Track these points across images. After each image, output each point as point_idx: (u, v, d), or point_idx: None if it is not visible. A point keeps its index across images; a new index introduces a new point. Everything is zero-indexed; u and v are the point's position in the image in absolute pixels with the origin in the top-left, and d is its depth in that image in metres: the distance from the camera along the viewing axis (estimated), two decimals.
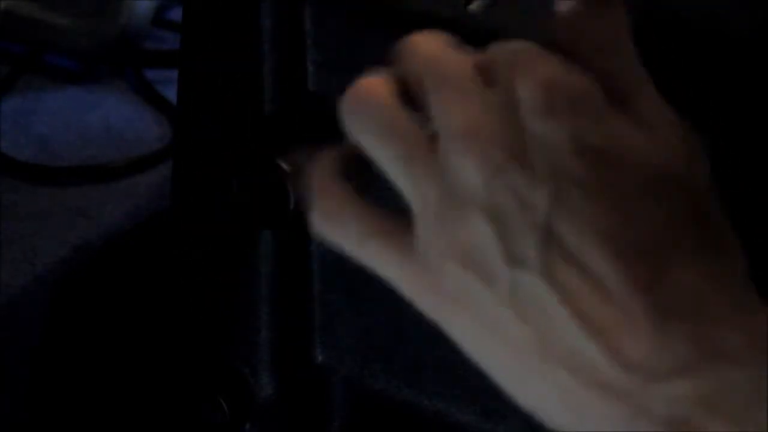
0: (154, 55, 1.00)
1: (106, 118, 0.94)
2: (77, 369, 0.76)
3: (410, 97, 0.38)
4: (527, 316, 0.37)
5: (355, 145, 0.38)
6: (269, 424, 0.67)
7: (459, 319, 0.39)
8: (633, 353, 0.35)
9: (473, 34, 0.54)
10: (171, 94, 0.94)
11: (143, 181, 0.88)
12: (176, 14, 1.02)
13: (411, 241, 0.38)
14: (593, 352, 0.36)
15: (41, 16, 0.96)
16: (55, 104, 0.95)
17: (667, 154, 0.37)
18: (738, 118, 0.52)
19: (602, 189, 0.35)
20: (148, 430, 0.74)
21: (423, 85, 0.38)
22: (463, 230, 0.36)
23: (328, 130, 0.46)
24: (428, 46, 0.38)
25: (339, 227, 0.40)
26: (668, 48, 0.53)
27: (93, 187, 0.87)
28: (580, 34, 0.37)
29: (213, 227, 0.67)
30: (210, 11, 0.64)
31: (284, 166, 0.57)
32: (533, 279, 0.36)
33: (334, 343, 0.65)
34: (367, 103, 0.38)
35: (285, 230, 0.64)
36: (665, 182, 0.36)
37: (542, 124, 0.35)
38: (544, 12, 0.54)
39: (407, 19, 0.54)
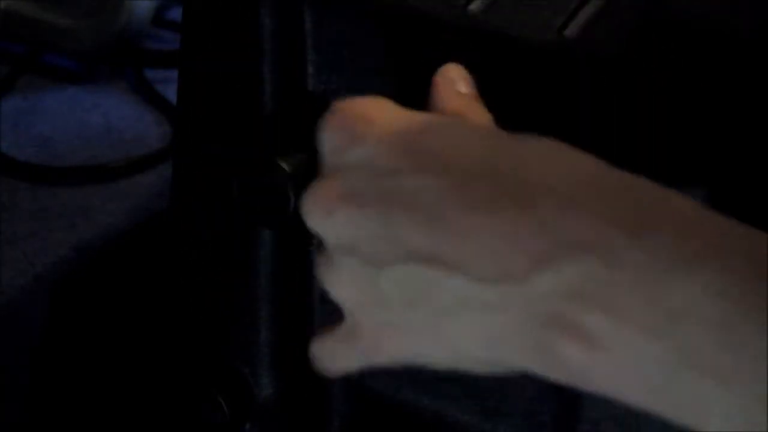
0: (154, 55, 1.00)
1: (106, 118, 0.94)
2: (77, 369, 0.76)
3: None
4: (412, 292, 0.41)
5: None
6: (269, 424, 0.67)
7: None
8: (491, 267, 0.38)
9: (473, 35, 0.54)
10: (171, 94, 0.94)
11: (143, 181, 0.88)
12: (176, 14, 1.02)
13: None
14: (464, 282, 0.38)
15: (41, 16, 0.96)
16: (55, 104, 0.95)
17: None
18: (738, 118, 0.52)
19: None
20: (148, 430, 0.74)
21: None
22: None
23: None
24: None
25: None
26: (669, 49, 0.53)
27: (93, 187, 0.87)
28: None
29: (213, 227, 0.67)
30: (210, 11, 0.64)
31: (284, 166, 0.57)
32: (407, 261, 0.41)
33: None
34: None
35: (285, 230, 0.64)
36: None
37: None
38: (544, 12, 0.54)
39: (407, 20, 0.54)
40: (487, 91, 0.51)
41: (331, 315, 0.65)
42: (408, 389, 0.64)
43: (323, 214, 0.43)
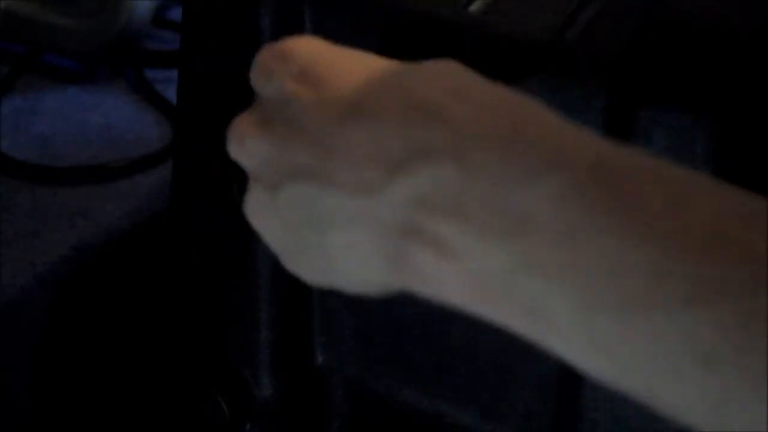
0: (154, 55, 1.00)
1: (106, 118, 0.94)
2: (77, 369, 0.76)
3: None
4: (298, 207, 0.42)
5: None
6: (269, 424, 0.67)
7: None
8: (353, 177, 0.38)
9: (474, 35, 0.54)
10: (171, 94, 0.94)
11: (143, 181, 0.88)
12: (176, 14, 1.02)
13: None
14: (334, 195, 0.39)
15: (41, 16, 0.96)
16: (55, 104, 0.95)
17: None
18: (739, 118, 0.52)
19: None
20: (148, 430, 0.74)
21: None
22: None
23: None
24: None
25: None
26: (669, 49, 0.53)
27: (93, 187, 0.87)
28: None
29: (213, 227, 0.67)
30: (210, 11, 0.64)
31: None
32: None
33: (334, 344, 0.65)
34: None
35: None
36: None
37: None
38: (545, 13, 0.54)
39: (407, 20, 0.54)
40: None
41: (332, 315, 0.66)
42: (408, 389, 0.64)
43: (238, 142, 0.45)
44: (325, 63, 0.42)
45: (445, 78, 0.40)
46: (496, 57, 0.54)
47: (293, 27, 0.60)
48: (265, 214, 0.44)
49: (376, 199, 0.38)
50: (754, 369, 0.30)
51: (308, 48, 0.44)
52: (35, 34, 0.96)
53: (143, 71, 0.98)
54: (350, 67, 0.42)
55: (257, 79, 0.45)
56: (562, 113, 0.55)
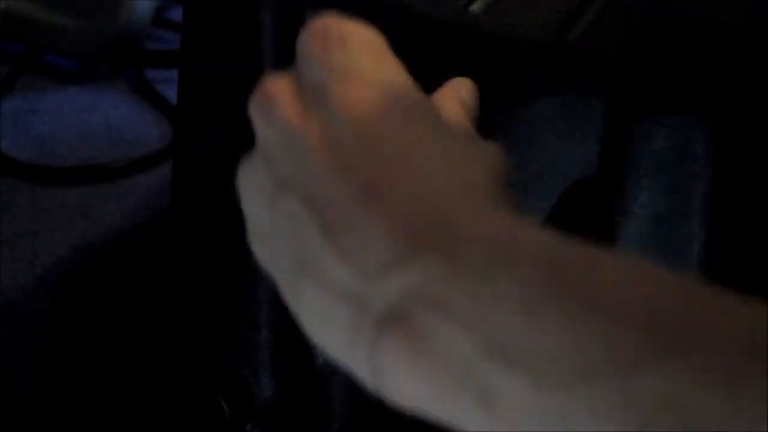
0: (154, 55, 1.00)
1: (106, 118, 0.94)
2: (77, 369, 0.76)
3: None
4: (288, 230, 0.41)
5: None
6: (270, 424, 0.67)
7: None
8: (353, 252, 0.37)
9: (474, 36, 0.54)
10: (171, 94, 0.94)
11: (143, 181, 0.88)
12: (176, 14, 1.02)
13: None
14: (326, 256, 0.38)
15: (41, 16, 0.96)
16: (55, 104, 0.95)
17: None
18: (739, 118, 0.52)
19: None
20: (148, 430, 0.73)
21: None
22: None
23: None
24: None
25: None
26: (669, 49, 0.53)
27: (93, 187, 0.87)
28: None
29: (213, 227, 0.67)
30: (210, 11, 0.64)
31: None
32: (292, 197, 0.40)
33: None
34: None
35: None
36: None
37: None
38: (545, 13, 0.54)
39: (407, 20, 0.54)
40: (486, 91, 0.51)
41: None
42: None
43: (265, 104, 0.43)
44: (373, 80, 0.41)
45: (466, 174, 0.39)
46: (496, 57, 0.54)
47: (294, 27, 0.60)
48: (255, 194, 0.44)
49: (372, 285, 0.37)
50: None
51: (363, 53, 0.42)
52: (35, 34, 0.96)
53: (143, 71, 0.98)
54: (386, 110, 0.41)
55: (303, 51, 0.43)
56: (562, 113, 0.55)
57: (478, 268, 0.35)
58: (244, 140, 0.64)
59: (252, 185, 0.44)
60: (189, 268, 0.68)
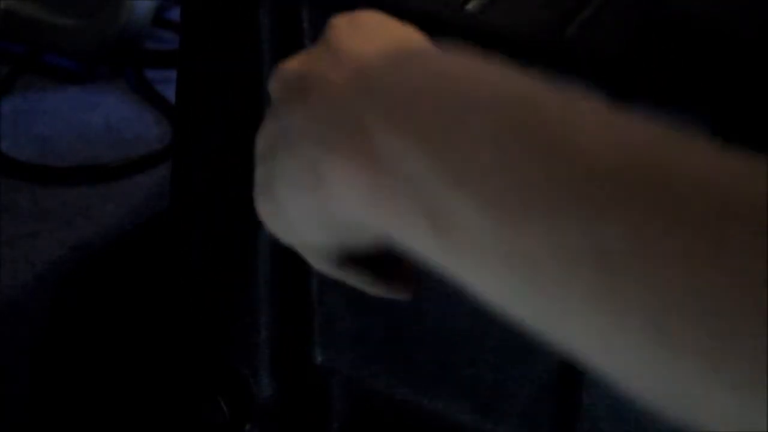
0: (154, 55, 1.00)
1: (106, 118, 0.94)
2: (77, 369, 0.76)
3: None
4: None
5: None
6: (269, 424, 0.67)
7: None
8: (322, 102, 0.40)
9: (471, 34, 0.54)
10: (171, 94, 0.94)
11: (143, 181, 0.88)
12: (176, 14, 1.02)
13: None
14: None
15: (41, 16, 0.96)
16: (55, 104, 0.95)
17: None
18: (739, 118, 0.52)
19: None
20: (148, 430, 0.74)
21: None
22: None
23: None
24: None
25: None
26: (669, 49, 0.53)
27: (93, 187, 0.87)
28: None
29: (213, 227, 0.67)
30: (209, 11, 0.64)
31: None
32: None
33: (334, 344, 0.65)
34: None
35: None
36: None
37: None
38: (543, 12, 0.54)
39: (405, 19, 0.54)
40: None
41: (331, 315, 0.65)
42: (407, 389, 0.64)
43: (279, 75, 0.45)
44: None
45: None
46: (494, 56, 0.53)
47: (292, 27, 0.60)
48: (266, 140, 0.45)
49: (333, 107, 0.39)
50: (650, 273, 0.30)
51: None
52: (35, 34, 0.96)
53: (143, 71, 0.98)
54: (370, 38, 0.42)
55: (337, 29, 0.45)
56: None
57: (448, 105, 0.36)
58: (243, 140, 0.64)
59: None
60: (189, 268, 0.68)
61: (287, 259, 0.65)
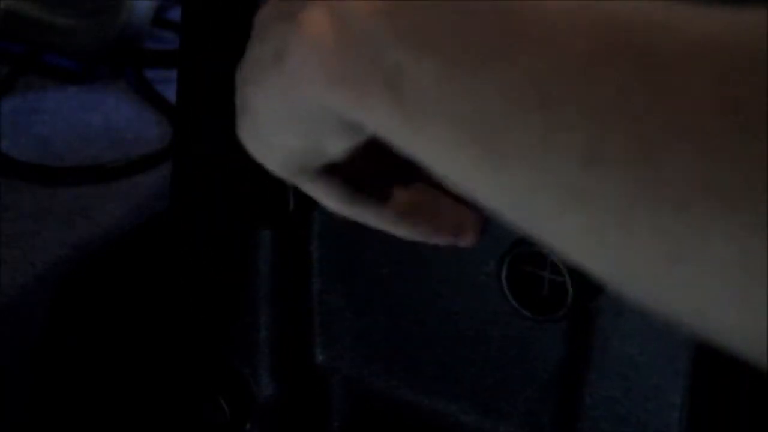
0: (154, 55, 1.00)
1: (106, 118, 0.94)
2: (77, 369, 0.76)
3: None
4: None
5: None
6: (269, 424, 0.67)
7: None
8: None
9: None
10: (171, 94, 0.94)
11: (143, 181, 0.88)
12: (176, 14, 1.02)
13: None
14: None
15: (41, 16, 0.96)
16: (55, 104, 0.95)
17: None
18: None
19: None
20: (148, 430, 0.74)
21: None
22: None
23: None
24: None
25: None
26: None
27: (93, 187, 0.87)
28: None
29: (213, 227, 0.67)
30: (209, 11, 0.64)
31: None
32: None
33: (334, 343, 0.65)
34: None
35: (285, 230, 0.64)
36: None
37: None
38: None
39: None
40: None
41: (332, 315, 0.66)
42: (408, 389, 0.64)
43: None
44: None
45: None
46: None
47: None
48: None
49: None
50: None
51: None
52: (35, 34, 0.96)
53: (143, 71, 0.98)
54: None
55: None
56: None
57: None
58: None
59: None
60: (189, 268, 0.68)
61: (288, 258, 0.65)
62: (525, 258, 0.57)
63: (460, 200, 0.45)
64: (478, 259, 0.60)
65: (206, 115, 0.66)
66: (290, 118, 0.40)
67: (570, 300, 0.56)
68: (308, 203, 0.62)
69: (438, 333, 0.62)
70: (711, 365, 0.56)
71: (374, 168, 0.44)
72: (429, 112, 0.34)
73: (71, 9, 0.95)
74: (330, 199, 0.44)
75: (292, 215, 0.62)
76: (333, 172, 0.43)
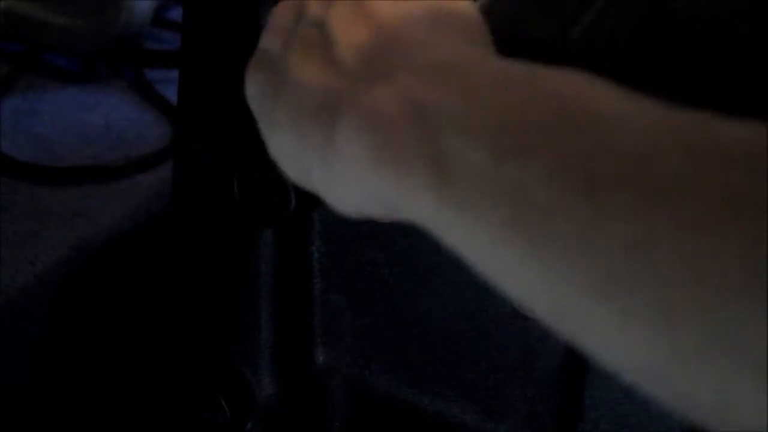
0: (154, 55, 1.00)
1: (106, 118, 0.94)
2: (77, 369, 0.76)
3: None
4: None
5: None
6: (270, 424, 0.67)
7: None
8: (345, 60, 0.40)
9: None
10: (171, 94, 0.94)
11: (143, 181, 0.88)
12: (176, 14, 1.02)
13: None
14: (317, 65, 0.41)
15: (41, 16, 0.96)
16: (55, 104, 0.96)
17: None
18: (739, 117, 0.52)
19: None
20: (148, 430, 0.74)
21: None
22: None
23: None
24: None
25: None
26: (669, 48, 0.53)
27: (93, 187, 0.87)
28: None
29: (213, 227, 0.67)
30: (210, 11, 0.64)
31: None
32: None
33: (335, 344, 0.65)
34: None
35: (286, 230, 0.64)
36: None
37: None
38: (545, 12, 0.54)
39: None
40: None
41: (333, 315, 0.66)
42: (409, 389, 0.64)
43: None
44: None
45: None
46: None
47: None
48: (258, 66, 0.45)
49: (358, 89, 0.39)
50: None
51: None
52: (35, 34, 0.96)
53: (143, 71, 0.98)
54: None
55: None
56: None
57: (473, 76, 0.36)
58: (244, 140, 0.64)
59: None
60: (189, 268, 0.68)
61: (289, 258, 0.65)
62: None
63: None
64: None
65: (206, 115, 0.66)
66: (325, 184, 0.41)
67: None
68: (309, 203, 0.62)
69: (439, 333, 0.62)
70: None
71: None
72: (474, 192, 0.33)
73: (71, 9, 0.95)
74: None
75: (293, 215, 0.62)
76: None
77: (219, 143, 0.65)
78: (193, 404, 0.68)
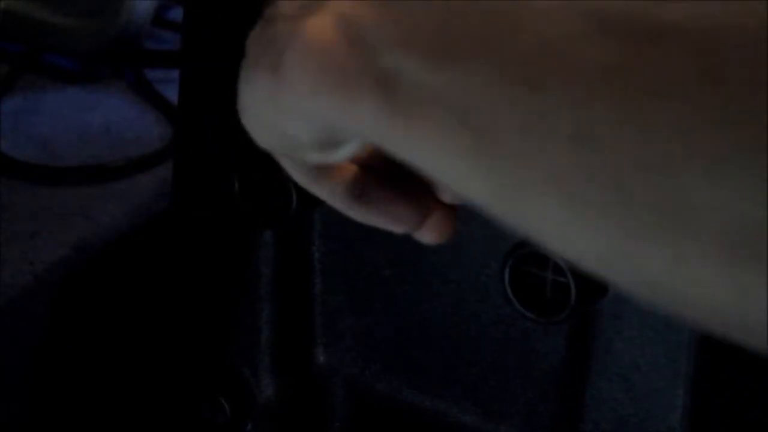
0: (154, 55, 1.00)
1: (106, 118, 0.94)
2: (77, 369, 0.76)
3: None
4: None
5: None
6: (270, 424, 0.67)
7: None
8: (285, 10, 0.39)
9: None
10: (171, 94, 0.94)
11: (143, 181, 0.88)
12: (176, 14, 1.02)
13: None
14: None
15: (41, 16, 0.96)
16: (55, 104, 0.95)
17: None
18: None
19: None
20: (148, 430, 0.73)
21: None
22: None
23: None
24: None
25: None
26: None
27: (93, 187, 0.87)
28: None
29: (214, 227, 0.67)
30: (210, 11, 0.64)
31: None
32: None
33: (335, 344, 0.65)
34: None
35: (286, 230, 0.64)
36: None
37: None
38: None
39: None
40: None
41: (333, 315, 0.66)
42: (409, 389, 0.64)
43: None
44: None
45: None
46: None
47: None
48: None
49: None
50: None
51: None
52: (35, 34, 0.96)
53: (143, 71, 0.98)
54: None
55: None
56: None
57: None
58: (243, 140, 0.64)
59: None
60: (189, 268, 0.68)
61: (289, 258, 0.65)
62: (527, 259, 0.56)
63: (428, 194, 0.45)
64: (480, 259, 0.59)
65: (206, 115, 0.66)
66: (276, 124, 0.41)
67: (573, 302, 0.55)
68: (310, 203, 0.61)
69: (439, 334, 0.62)
70: (712, 367, 0.56)
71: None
72: (420, 107, 0.34)
73: (71, 9, 0.95)
74: (327, 194, 0.44)
75: (294, 215, 0.62)
76: (336, 171, 0.43)
77: (219, 143, 0.65)
78: (193, 404, 0.68)
